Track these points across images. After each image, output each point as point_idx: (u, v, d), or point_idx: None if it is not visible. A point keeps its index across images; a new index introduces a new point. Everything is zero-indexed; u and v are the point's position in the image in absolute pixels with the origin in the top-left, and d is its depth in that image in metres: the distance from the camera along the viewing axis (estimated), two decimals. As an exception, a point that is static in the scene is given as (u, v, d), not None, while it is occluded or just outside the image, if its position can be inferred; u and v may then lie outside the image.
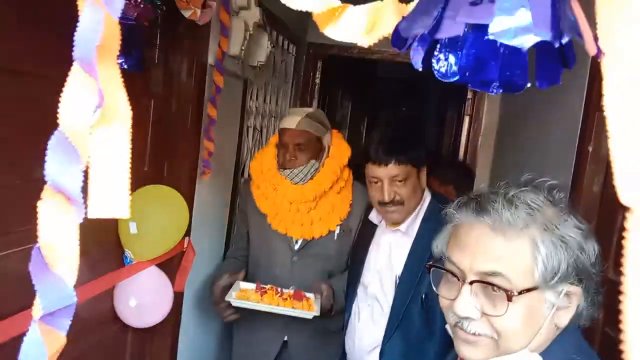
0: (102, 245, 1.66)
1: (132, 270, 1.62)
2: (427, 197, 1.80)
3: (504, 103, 3.35)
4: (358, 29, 0.49)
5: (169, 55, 1.87)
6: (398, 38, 0.54)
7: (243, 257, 2.20)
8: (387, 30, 0.48)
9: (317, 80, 3.81)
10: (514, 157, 2.87)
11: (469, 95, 3.60)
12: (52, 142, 0.45)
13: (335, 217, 2.02)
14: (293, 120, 1.98)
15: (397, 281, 1.71)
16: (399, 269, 1.71)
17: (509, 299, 0.82)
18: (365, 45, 0.49)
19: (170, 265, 1.94)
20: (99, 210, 0.43)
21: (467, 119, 3.64)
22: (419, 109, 6.78)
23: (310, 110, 2.06)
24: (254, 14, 2.04)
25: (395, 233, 1.77)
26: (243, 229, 2.22)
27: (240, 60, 2.18)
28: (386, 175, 1.68)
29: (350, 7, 0.48)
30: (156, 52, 1.80)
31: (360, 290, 1.85)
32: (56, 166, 0.43)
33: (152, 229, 1.59)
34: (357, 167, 1.93)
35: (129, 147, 0.45)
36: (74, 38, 0.49)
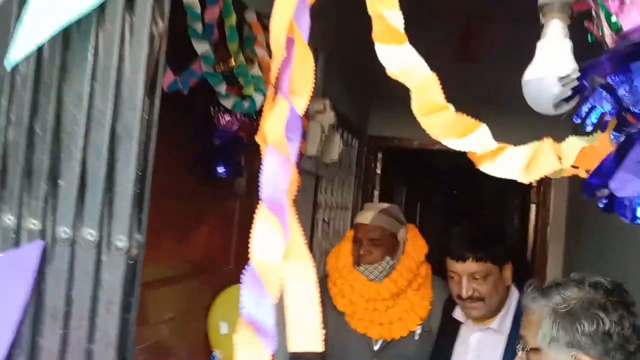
0: (190, 345, 1.69)
1: (221, 372, 1.63)
2: (515, 294, 1.75)
3: (571, 189, 3.29)
4: (516, 166, 0.52)
5: (252, 159, 1.99)
6: (589, 189, 0.57)
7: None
8: (546, 169, 0.51)
9: (378, 171, 3.90)
10: (591, 247, 2.77)
11: (534, 182, 3.57)
12: (245, 277, 0.49)
13: (415, 316, 1.97)
14: (367, 216, 2.02)
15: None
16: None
17: None
18: (525, 182, 0.52)
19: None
20: (297, 344, 0.46)
21: (533, 207, 3.58)
22: (475, 195, 6.72)
23: (384, 205, 2.10)
24: (329, 117, 2.16)
25: (485, 331, 1.72)
26: None
27: (315, 158, 2.28)
28: (464, 271, 1.67)
29: (510, 147, 0.52)
30: (242, 157, 1.92)
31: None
32: (249, 300, 0.47)
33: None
34: (437, 260, 1.92)
35: (316, 285, 0.49)
36: (260, 181, 0.55)
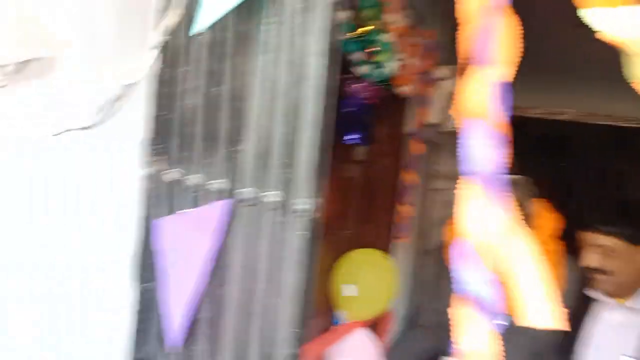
0: (317, 305, 1.77)
1: (344, 331, 1.70)
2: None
3: None
4: None
5: (374, 126, 1.99)
6: None
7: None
8: None
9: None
10: None
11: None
12: (461, 254, 0.50)
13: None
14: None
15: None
16: (628, 350, 1.57)
17: None
18: None
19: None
20: (533, 320, 0.46)
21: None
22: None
23: (512, 178, 2.03)
24: (453, 84, 2.11)
25: (620, 310, 1.64)
26: None
27: (436, 126, 2.24)
28: (594, 242, 1.59)
29: None
30: (371, 125, 1.93)
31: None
32: (467, 276, 0.48)
33: (366, 292, 1.66)
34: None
35: (543, 260, 0.48)
36: (467, 156, 0.55)
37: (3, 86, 0.76)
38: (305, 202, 0.73)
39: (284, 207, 0.74)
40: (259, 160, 0.77)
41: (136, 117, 0.85)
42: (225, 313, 0.79)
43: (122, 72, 0.74)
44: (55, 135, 0.75)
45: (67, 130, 0.74)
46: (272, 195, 0.75)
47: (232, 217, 0.78)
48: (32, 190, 0.81)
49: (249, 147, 0.78)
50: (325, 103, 0.73)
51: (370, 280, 1.70)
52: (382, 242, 2.15)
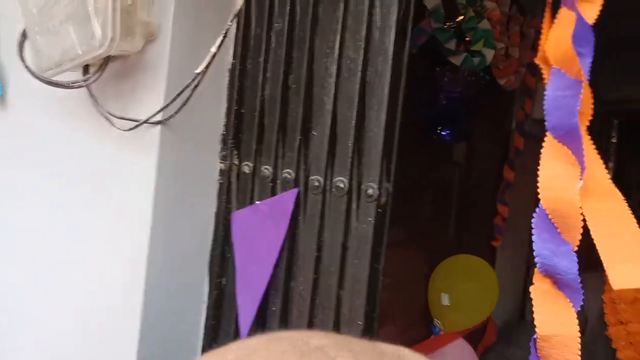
0: (408, 312, 1.68)
1: (442, 341, 1.59)
2: None
3: None
4: None
5: (474, 123, 1.88)
6: None
7: None
8: None
9: (613, 140, 3.39)
10: None
11: None
12: (536, 222, 0.43)
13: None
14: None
15: None
16: None
17: None
18: None
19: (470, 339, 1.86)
20: (621, 281, 0.38)
21: None
22: None
23: None
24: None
25: None
26: None
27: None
28: None
29: None
30: (466, 120, 1.83)
31: None
32: (543, 248, 0.41)
33: (465, 301, 1.55)
34: None
35: (630, 215, 0.40)
36: (545, 107, 0.47)
37: (87, 85, 0.80)
38: (373, 187, 0.68)
39: (351, 193, 0.70)
40: (330, 146, 0.73)
41: (212, 111, 0.86)
42: (295, 305, 0.76)
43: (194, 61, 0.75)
44: (129, 129, 0.78)
45: (140, 125, 0.77)
46: (341, 182, 0.71)
47: (300, 205, 0.75)
48: (109, 186, 0.84)
49: (320, 133, 0.75)
50: (396, 81, 0.68)
51: (469, 288, 1.58)
52: (483, 246, 2.01)
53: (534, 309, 0.39)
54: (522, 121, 1.91)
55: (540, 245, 0.40)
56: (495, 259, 2.00)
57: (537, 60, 0.51)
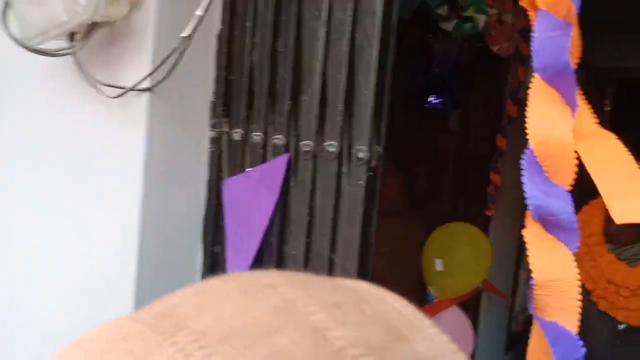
0: (404, 281, 1.70)
1: (436, 309, 1.62)
2: None
3: None
4: None
5: (468, 91, 1.87)
6: None
7: None
8: None
9: (607, 108, 3.38)
10: None
11: None
12: (525, 164, 0.43)
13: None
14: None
15: None
16: None
17: None
18: None
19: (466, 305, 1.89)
20: (623, 216, 0.38)
21: None
22: None
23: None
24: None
25: None
26: None
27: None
28: None
29: None
30: (458, 88, 1.82)
31: None
32: (534, 190, 0.41)
33: (458, 267, 1.57)
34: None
35: (627, 152, 0.40)
36: (532, 49, 0.47)
37: (73, 53, 0.79)
38: (363, 150, 0.68)
39: (342, 157, 0.70)
40: (319, 110, 0.73)
41: (201, 79, 0.85)
42: (289, 270, 0.77)
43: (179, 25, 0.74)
44: (117, 97, 0.77)
45: (127, 91, 0.76)
46: (331, 145, 0.71)
47: (291, 171, 0.75)
48: (98, 155, 0.83)
49: (310, 97, 0.74)
50: (385, 42, 0.67)
51: (462, 254, 1.60)
52: (477, 215, 2.02)
53: (528, 254, 0.39)
54: (516, 88, 1.89)
55: (532, 187, 0.40)
56: (489, 227, 2.02)
57: (521, 3, 0.50)
